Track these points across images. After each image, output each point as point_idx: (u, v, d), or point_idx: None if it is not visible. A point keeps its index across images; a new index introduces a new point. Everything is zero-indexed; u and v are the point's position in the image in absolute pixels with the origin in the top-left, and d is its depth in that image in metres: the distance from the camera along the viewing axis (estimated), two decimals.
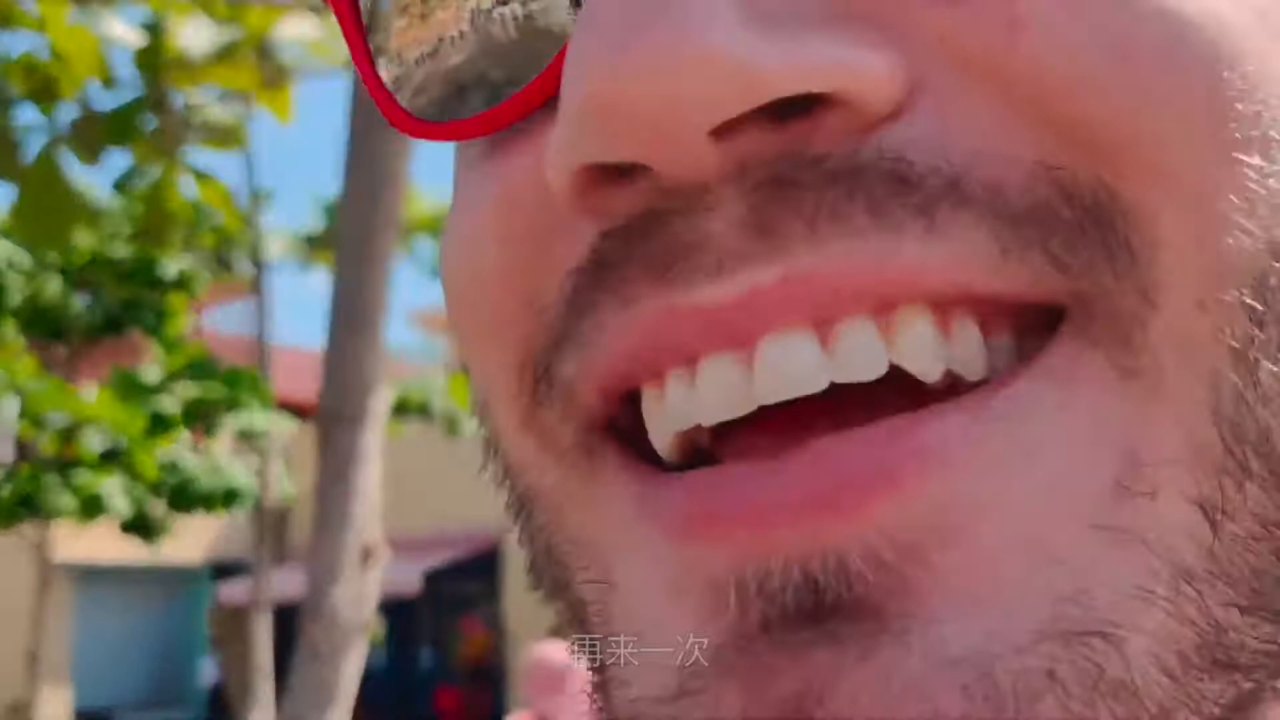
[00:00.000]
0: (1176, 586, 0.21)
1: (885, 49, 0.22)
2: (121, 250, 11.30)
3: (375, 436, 3.28)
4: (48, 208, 4.09)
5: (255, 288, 11.39)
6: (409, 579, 15.12)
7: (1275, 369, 0.22)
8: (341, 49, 4.47)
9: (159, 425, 10.00)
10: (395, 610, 17.27)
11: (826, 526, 0.21)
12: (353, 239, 3.35)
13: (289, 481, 11.78)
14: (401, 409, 10.95)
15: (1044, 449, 0.21)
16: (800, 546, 0.22)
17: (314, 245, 11.07)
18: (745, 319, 0.23)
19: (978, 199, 0.22)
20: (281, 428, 10.34)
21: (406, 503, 15.58)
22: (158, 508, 10.27)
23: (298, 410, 11.33)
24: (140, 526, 10.22)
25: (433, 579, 15.52)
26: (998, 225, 0.21)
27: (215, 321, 16.91)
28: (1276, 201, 0.22)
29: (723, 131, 0.22)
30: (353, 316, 3.28)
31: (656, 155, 0.22)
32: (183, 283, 11.63)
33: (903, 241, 0.22)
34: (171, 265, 11.37)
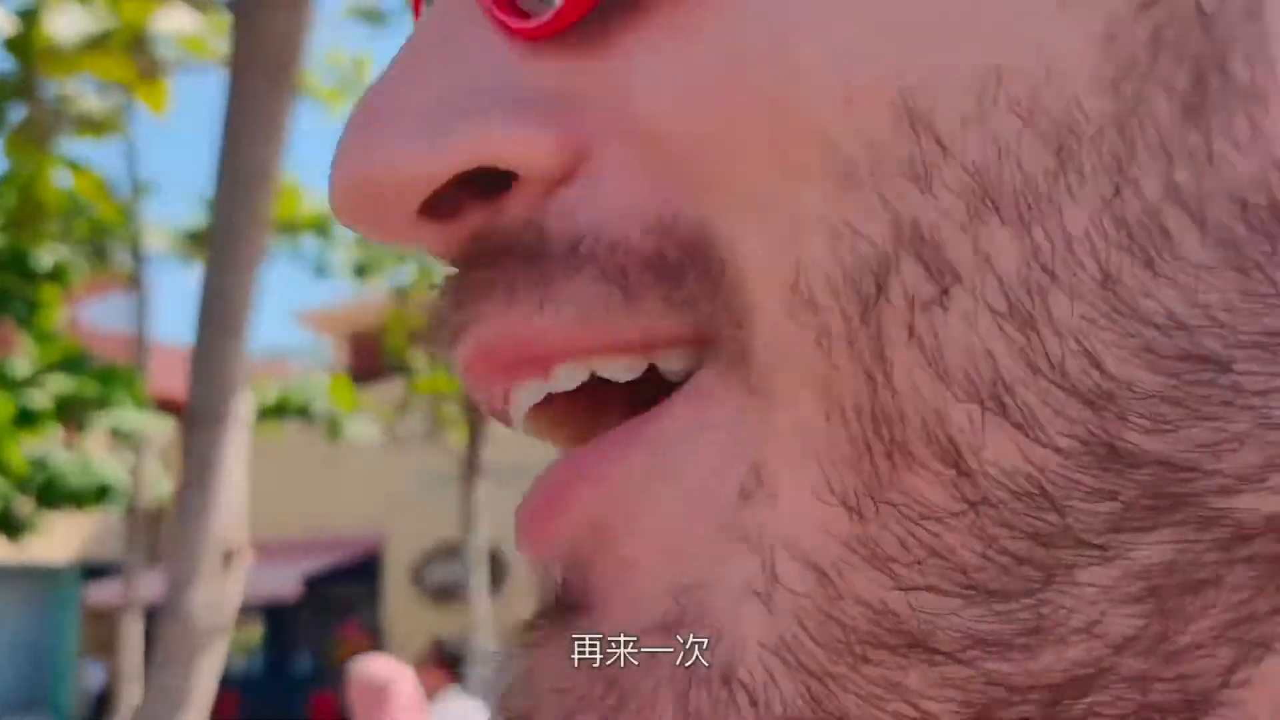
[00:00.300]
0: (808, 578, 0.22)
1: (547, 122, 0.24)
2: None
3: (239, 438, 3.24)
4: None
5: (134, 282, 11.13)
6: (288, 582, 14.88)
7: (919, 354, 0.22)
8: (219, 44, 4.41)
9: (27, 419, 9.73)
10: (273, 614, 16.97)
11: (541, 537, 0.26)
12: (223, 238, 3.31)
13: (164, 481, 11.53)
14: (283, 410, 10.78)
15: (680, 467, 0.23)
16: (534, 552, 0.26)
17: (196, 241, 10.85)
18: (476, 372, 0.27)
19: (596, 259, 0.24)
20: (156, 427, 10.12)
21: (286, 506, 15.31)
22: (25, 505, 9.97)
23: (176, 409, 11.10)
24: (6, 524, 9.92)
25: (312, 583, 15.30)
26: (610, 283, 0.24)
27: (93, 315, 16.48)
28: (892, 192, 0.22)
29: (431, 213, 0.25)
30: (220, 316, 3.25)
31: (388, 238, 0.26)
32: (57, 274, 11.32)
33: (528, 312, 0.25)
34: (45, 256, 11.06)
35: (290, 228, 10.95)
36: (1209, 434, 0.21)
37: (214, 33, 4.38)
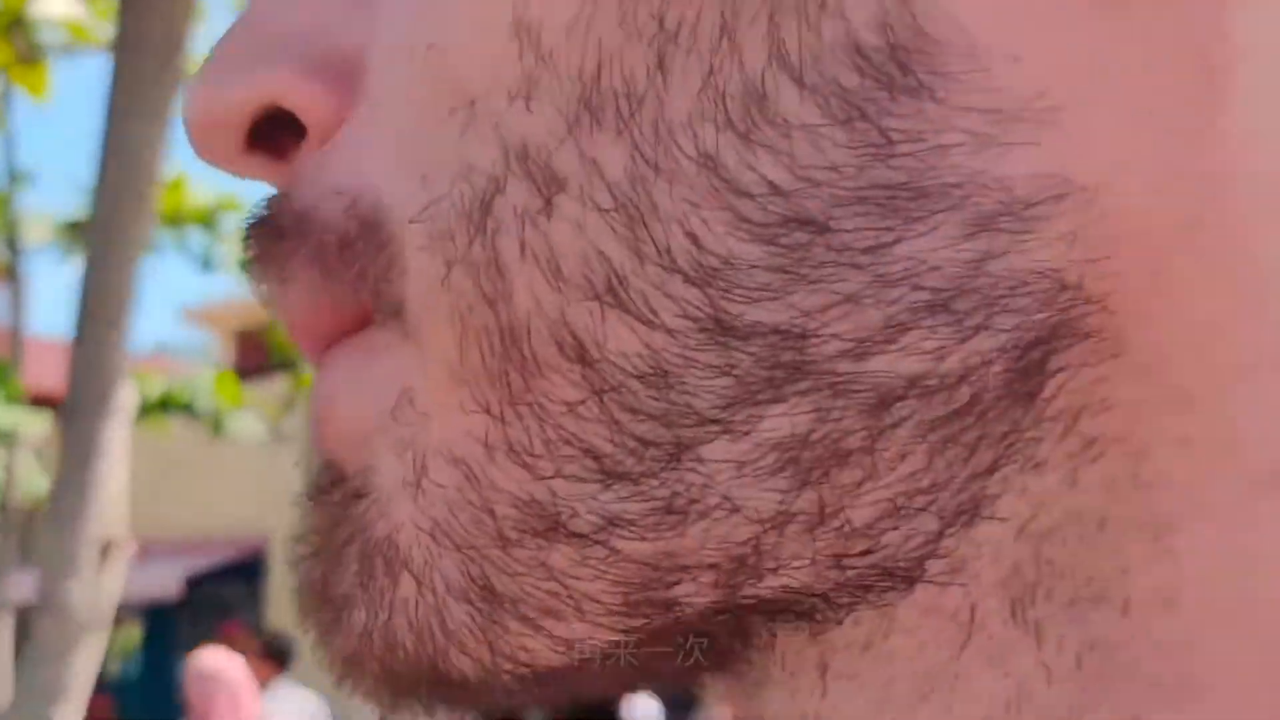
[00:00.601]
0: (454, 474, 0.24)
1: (322, 74, 0.25)
2: None
3: (118, 430, 3.19)
4: None
5: (10, 274, 10.81)
6: (169, 582, 14.56)
7: (535, 268, 0.22)
8: (102, 29, 4.33)
9: None
10: (153, 615, 16.58)
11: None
12: (104, 229, 3.25)
13: (39, 479, 11.21)
14: (167, 405, 10.56)
15: (358, 391, 0.25)
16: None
17: (77, 232, 10.57)
18: None
19: (311, 237, 0.25)
20: (30, 424, 9.84)
21: (168, 503, 14.98)
22: None
23: (53, 404, 10.80)
24: None
25: (194, 582, 14.99)
26: (316, 263, 0.25)
27: None
28: (502, 117, 0.23)
29: (268, 151, 0.27)
30: (100, 308, 3.19)
31: (231, 173, 0.28)
32: None
33: (280, 289, 0.26)
34: None
35: (177, 220, 10.73)
36: (818, 298, 0.21)
37: (97, 17, 4.30)
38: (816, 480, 0.21)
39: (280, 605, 14.55)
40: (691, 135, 0.21)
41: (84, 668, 3.12)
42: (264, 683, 5.32)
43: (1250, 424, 0.21)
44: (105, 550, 3.17)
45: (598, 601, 0.23)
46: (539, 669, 0.24)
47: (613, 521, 0.23)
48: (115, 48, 3.34)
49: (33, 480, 10.80)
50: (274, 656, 5.60)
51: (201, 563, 15.04)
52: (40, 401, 11.02)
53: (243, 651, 5.51)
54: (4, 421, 9.66)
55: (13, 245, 10.67)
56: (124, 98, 3.24)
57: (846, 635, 0.23)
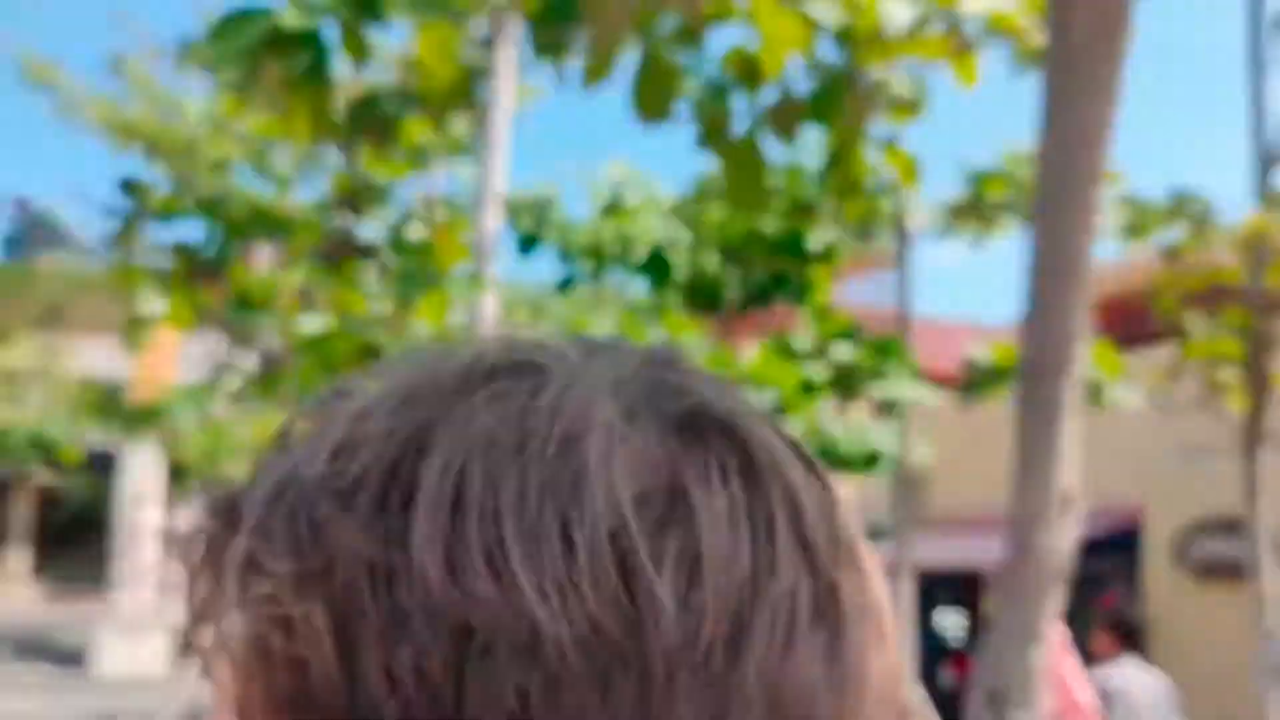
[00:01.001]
0: None
1: None
2: (771, 225, 12.09)
3: (1075, 390, 3.35)
4: (747, 180, 4.56)
5: (897, 259, 11.73)
6: None
7: None
8: (1024, 18, 4.55)
9: (808, 390, 10.63)
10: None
11: None
12: (1051, 192, 3.43)
13: (928, 449, 12.06)
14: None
15: None
16: None
17: (956, 215, 11.17)
18: None
19: None
20: (924, 397, 10.59)
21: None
22: None
23: (935, 381, 11.55)
24: None
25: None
26: None
27: (846, 293, 17.53)
28: None
29: None
30: (1054, 268, 3.37)
31: None
32: (827, 255, 12.24)
33: None
34: (818, 237, 11.99)
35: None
36: None
37: (1021, 8, 4.54)
38: None
39: (1155, 578, 14.26)
40: None
41: (1050, 612, 3.33)
42: (1107, 657, 5.42)
43: None
44: (1062, 503, 3.36)
45: None
46: None
47: None
48: (1051, 30, 3.51)
49: (921, 450, 11.64)
50: (1119, 631, 5.60)
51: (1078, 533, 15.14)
52: (924, 378, 11.85)
53: (1092, 624, 5.56)
54: (904, 394, 10.53)
55: (899, 233, 11.58)
56: (1064, 72, 3.39)
57: None
